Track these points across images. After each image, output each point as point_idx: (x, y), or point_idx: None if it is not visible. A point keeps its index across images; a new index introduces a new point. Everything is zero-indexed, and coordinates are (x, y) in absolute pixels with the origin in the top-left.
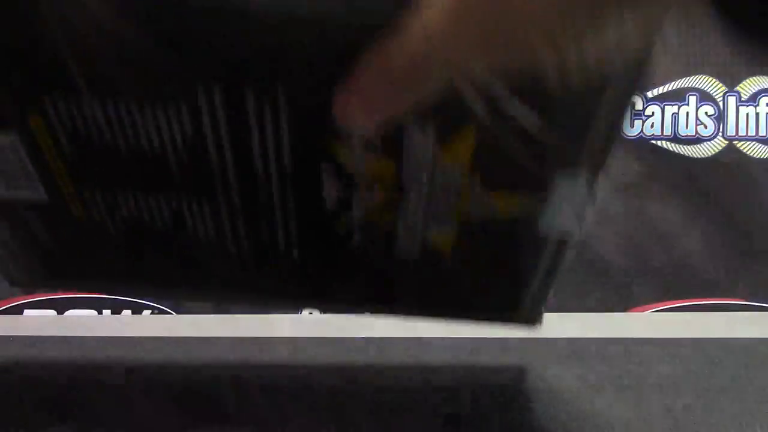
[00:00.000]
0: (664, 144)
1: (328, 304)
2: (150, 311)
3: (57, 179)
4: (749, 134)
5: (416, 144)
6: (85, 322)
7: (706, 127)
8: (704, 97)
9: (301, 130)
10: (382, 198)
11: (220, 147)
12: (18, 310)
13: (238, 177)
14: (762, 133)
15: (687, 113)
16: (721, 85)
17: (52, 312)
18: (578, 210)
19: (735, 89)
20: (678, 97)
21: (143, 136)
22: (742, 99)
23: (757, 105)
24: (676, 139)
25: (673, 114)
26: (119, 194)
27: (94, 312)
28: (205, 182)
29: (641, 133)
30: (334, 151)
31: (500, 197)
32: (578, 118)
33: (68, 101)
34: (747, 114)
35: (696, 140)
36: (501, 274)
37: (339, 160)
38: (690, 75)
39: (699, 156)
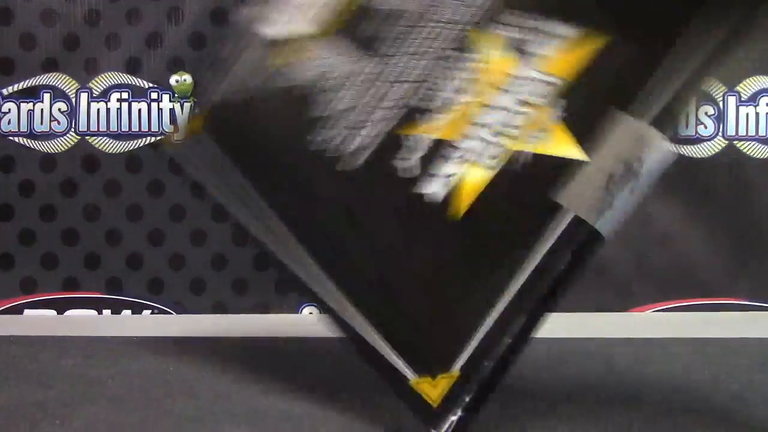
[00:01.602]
0: None
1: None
2: (150, 311)
3: None
4: (749, 134)
5: None
6: (85, 322)
7: (706, 127)
8: (703, 97)
9: None
10: None
11: None
12: (18, 310)
13: None
14: (762, 133)
15: (686, 113)
16: (720, 85)
17: (52, 312)
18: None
19: (735, 89)
20: None
21: None
22: (742, 99)
23: (757, 105)
24: (674, 139)
25: None
26: None
27: (94, 312)
28: None
29: None
30: None
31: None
32: None
33: None
34: (747, 114)
35: (696, 140)
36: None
37: None
38: None
39: (699, 156)
